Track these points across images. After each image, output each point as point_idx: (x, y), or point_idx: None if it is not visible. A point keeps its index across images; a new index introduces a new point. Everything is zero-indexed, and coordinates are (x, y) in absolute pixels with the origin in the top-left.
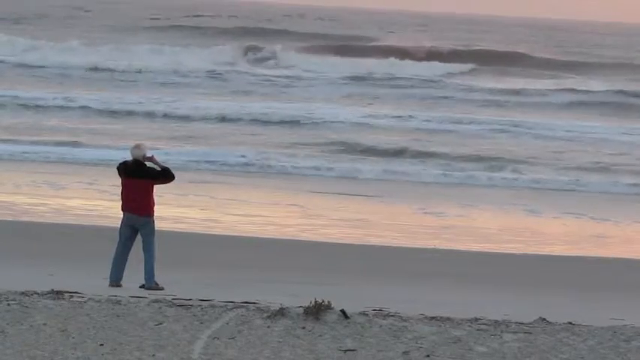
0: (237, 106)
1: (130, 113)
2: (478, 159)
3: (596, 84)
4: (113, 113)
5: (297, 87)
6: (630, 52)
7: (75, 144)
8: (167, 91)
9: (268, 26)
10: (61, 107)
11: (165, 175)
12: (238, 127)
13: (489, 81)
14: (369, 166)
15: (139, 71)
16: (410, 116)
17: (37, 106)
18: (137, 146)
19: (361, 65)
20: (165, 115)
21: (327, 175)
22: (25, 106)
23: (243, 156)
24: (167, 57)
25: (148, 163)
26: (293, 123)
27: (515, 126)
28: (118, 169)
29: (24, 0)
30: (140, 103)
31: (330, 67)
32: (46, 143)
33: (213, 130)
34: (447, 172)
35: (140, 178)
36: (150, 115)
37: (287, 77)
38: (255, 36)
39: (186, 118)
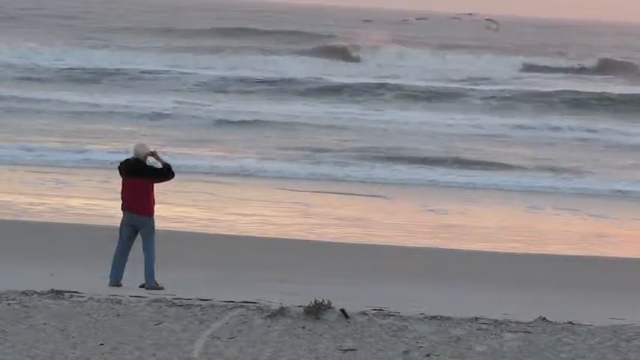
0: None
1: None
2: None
3: None
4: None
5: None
6: None
7: None
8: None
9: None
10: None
11: (165, 173)
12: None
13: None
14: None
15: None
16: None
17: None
18: (141, 144)
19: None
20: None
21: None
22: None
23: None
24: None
25: (149, 160)
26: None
27: None
28: (119, 168)
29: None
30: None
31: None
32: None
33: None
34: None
35: (140, 177)
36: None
37: None
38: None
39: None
